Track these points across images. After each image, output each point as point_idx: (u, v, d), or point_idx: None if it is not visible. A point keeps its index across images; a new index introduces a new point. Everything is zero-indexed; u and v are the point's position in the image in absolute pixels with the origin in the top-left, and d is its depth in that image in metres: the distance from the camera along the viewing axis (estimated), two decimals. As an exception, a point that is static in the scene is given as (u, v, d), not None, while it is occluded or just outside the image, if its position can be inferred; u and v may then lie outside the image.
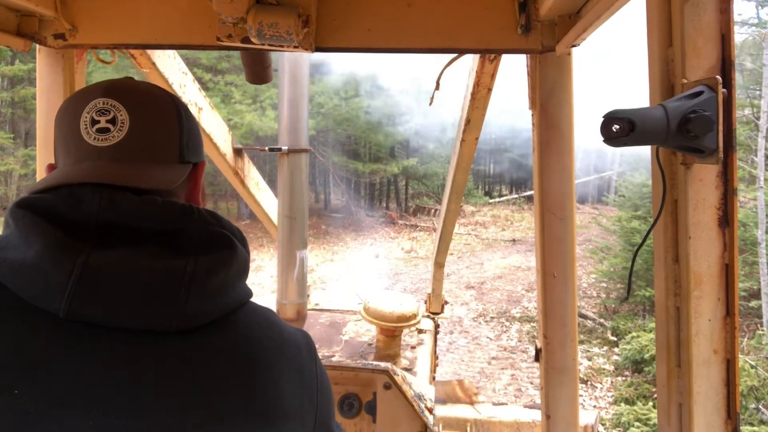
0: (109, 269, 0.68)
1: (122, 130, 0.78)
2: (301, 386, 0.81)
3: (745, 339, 9.35)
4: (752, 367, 7.69)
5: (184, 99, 2.41)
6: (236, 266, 0.78)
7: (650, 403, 7.57)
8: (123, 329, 0.68)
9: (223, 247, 0.77)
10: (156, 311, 0.69)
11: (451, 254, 13.65)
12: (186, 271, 0.71)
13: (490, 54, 2.07)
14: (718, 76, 0.84)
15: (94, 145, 0.77)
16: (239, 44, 1.56)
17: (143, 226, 0.73)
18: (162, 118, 0.83)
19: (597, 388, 8.87)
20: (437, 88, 2.25)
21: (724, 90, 0.84)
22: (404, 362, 2.70)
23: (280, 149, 2.88)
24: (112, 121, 0.78)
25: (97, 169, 0.76)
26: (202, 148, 0.93)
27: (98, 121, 0.78)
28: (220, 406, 0.70)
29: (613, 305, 12.01)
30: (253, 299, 0.85)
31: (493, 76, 2.23)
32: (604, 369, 9.45)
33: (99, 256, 0.69)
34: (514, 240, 19.32)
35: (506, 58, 2.09)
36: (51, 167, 0.85)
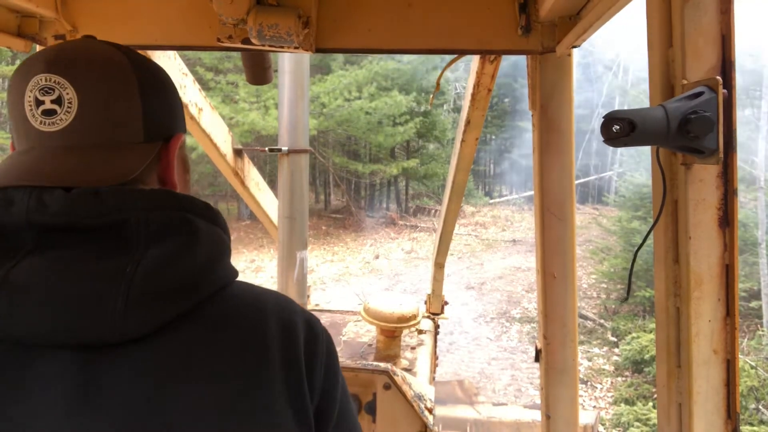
0: (32, 281, 0.59)
1: (70, 112, 0.68)
2: (297, 391, 0.70)
3: (745, 339, 9.35)
4: (752, 367, 7.69)
5: (184, 100, 2.41)
6: (202, 250, 0.67)
7: (650, 404, 7.57)
8: (67, 346, 0.60)
9: (178, 233, 0.66)
10: (87, 325, 0.59)
11: (451, 255, 13.64)
12: (125, 274, 0.60)
13: (490, 55, 2.07)
14: (719, 77, 0.84)
15: (42, 130, 0.68)
16: (239, 45, 1.56)
17: (81, 225, 0.63)
18: (118, 92, 0.71)
19: (597, 388, 8.86)
20: (437, 89, 2.25)
21: (725, 91, 0.84)
22: (404, 363, 2.70)
23: (280, 150, 2.89)
24: (58, 102, 0.67)
25: (42, 162, 0.67)
26: (175, 119, 0.80)
27: (43, 102, 0.67)
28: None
29: (613, 306, 12.00)
30: None
31: (493, 76, 2.23)
32: (604, 369, 9.45)
33: (24, 267, 0.60)
34: (514, 240, 19.32)
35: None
36: (13, 147, 0.75)
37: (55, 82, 0.67)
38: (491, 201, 27.43)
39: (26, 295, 0.59)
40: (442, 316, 3.84)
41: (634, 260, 1.13)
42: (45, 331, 0.59)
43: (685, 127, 0.82)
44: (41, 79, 0.68)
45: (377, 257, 16.34)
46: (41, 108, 0.68)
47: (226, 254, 0.73)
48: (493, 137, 30.35)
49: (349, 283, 13.35)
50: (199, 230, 0.68)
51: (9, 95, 0.71)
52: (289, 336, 0.72)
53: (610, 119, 0.83)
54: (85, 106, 0.68)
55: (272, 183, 3.54)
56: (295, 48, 1.51)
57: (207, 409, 0.62)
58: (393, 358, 2.66)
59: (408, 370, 2.62)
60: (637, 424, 7.11)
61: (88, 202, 0.63)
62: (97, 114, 0.69)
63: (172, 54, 2.30)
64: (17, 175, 0.66)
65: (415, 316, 2.65)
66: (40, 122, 0.68)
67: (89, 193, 0.64)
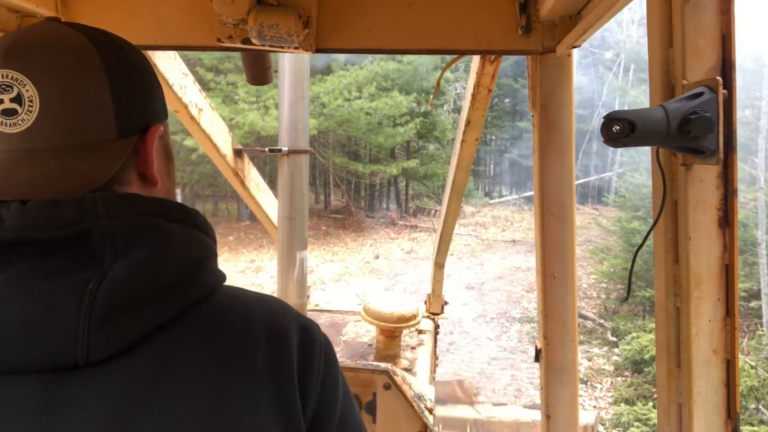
0: None
1: (32, 111, 0.61)
2: (289, 410, 0.65)
3: (745, 339, 9.35)
4: (752, 367, 7.69)
5: (184, 100, 2.42)
6: (177, 258, 0.62)
7: (650, 404, 7.57)
8: (28, 370, 0.55)
9: (146, 240, 0.61)
10: (47, 349, 0.54)
11: (451, 255, 13.64)
12: (86, 291, 0.55)
13: (490, 55, 2.07)
14: (719, 77, 0.84)
15: (3, 132, 0.61)
16: (240, 45, 1.56)
17: (40, 239, 0.58)
18: (83, 85, 0.63)
19: (597, 388, 8.87)
20: (437, 89, 2.25)
21: (725, 91, 0.84)
22: (404, 363, 2.71)
23: (280, 150, 2.88)
24: (18, 100, 0.61)
25: (3, 171, 0.61)
26: (153, 108, 0.72)
27: (1, 101, 0.61)
28: None
29: (613, 306, 12.01)
30: None
31: (493, 77, 2.24)
32: (604, 369, 9.45)
33: None
34: (514, 241, 19.32)
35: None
36: None
37: (12, 78, 0.61)
38: (491, 201, 27.43)
39: None
40: (441, 316, 3.84)
41: (634, 260, 1.13)
42: (2, 356, 0.54)
43: (685, 128, 0.82)
44: None
45: (377, 257, 16.34)
46: (1, 107, 0.61)
47: (209, 258, 0.67)
48: (493, 137, 30.36)
49: (349, 283, 13.35)
50: (172, 235, 0.63)
51: None
52: (279, 345, 0.67)
53: (610, 120, 0.83)
54: (48, 105, 0.61)
55: (272, 183, 3.54)
56: (296, 48, 1.51)
57: None
58: (393, 358, 2.66)
59: (408, 370, 2.62)
60: (637, 424, 7.11)
61: (45, 214, 0.58)
62: (61, 112, 0.62)
63: (173, 54, 2.30)
64: None
65: (414, 316, 2.65)
66: (1, 123, 0.61)
67: (47, 204, 0.59)
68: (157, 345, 0.59)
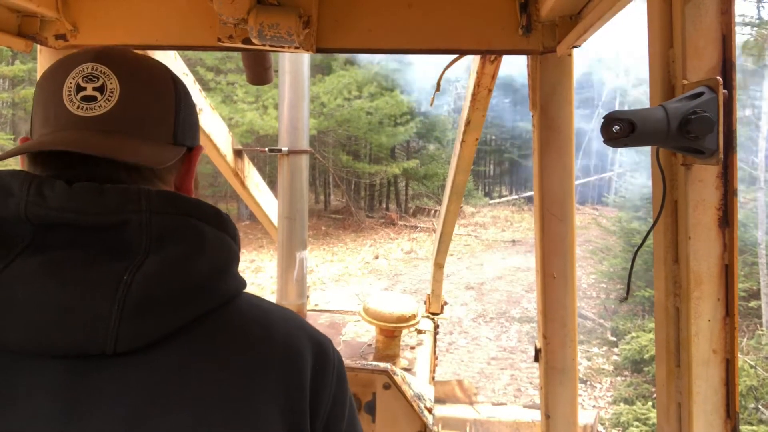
0: (23, 284, 0.56)
1: (110, 100, 0.67)
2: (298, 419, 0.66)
3: (745, 339, 9.35)
4: (751, 367, 7.69)
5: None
6: (207, 259, 0.63)
7: (649, 403, 7.57)
8: (56, 355, 0.57)
9: (182, 238, 0.63)
10: (76, 336, 0.56)
11: (451, 255, 13.65)
12: (122, 282, 0.57)
13: (490, 55, 2.07)
14: (719, 77, 0.84)
15: (78, 114, 0.66)
16: (240, 45, 1.56)
17: (81, 222, 0.60)
18: (157, 93, 0.72)
19: (596, 388, 8.87)
20: (438, 89, 2.25)
21: (725, 91, 0.84)
22: (404, 362, 2.71)
23: (280, 150, 2.88)
24: (100, 89, 0.67)
25: (78, 139, 0.64)
26: (196, 134, 0.81)
27: (84, 88, 0.66)
28: None
29: (612, 305, 12.01)
30: None
31: (493, 76, 2.24)
32: (603, 369, 9.45)
33: (17, 268, 0.57)
34: (513, 241, 19.32)
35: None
36: (24, 140, 0.72)
37: (101, 71, 0.68)
38: (491, 201, 27.43)
39: (15, 300, 0.56)
40: (441, 316, 3.84)
41: (633, 260, 1.13)
42: (32, 339, 0.56)
43: (685, 128, 0.82)
44: (87, 68, 0.68)
45: (377, 257, 16.34)
46: (81, 93, 0.67)
47: (234, 263, 0.69)
48: (493, 138, 30.36)
49: (349, 284, 13.35)
50: (206, 237, 0.65)
51: (43, 83, 0.70)
52: (293, 358, 0.68)
53: (610, 119, 0.83)
54: (127, 99, 0.68)
55: (272, 183, 3.54)
56: (296, 48, 1.51)
57: None
58: (392, 358, 2.66)
59: (407, 369, 2.62)
60: (636, 423, 7.11)
61: (90, 198, 0.60)
62: (135, 107, 0.69)
63: (173, 54, 2.30)
64: (49, 145, 0.64)
65: (414, 316, 2.65)
66: (78, 106, 0.66)
67: (93, 189, 0.61)
68: (178, 344, 0.60)
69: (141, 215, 0.61)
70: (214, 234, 0.67)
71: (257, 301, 0.72)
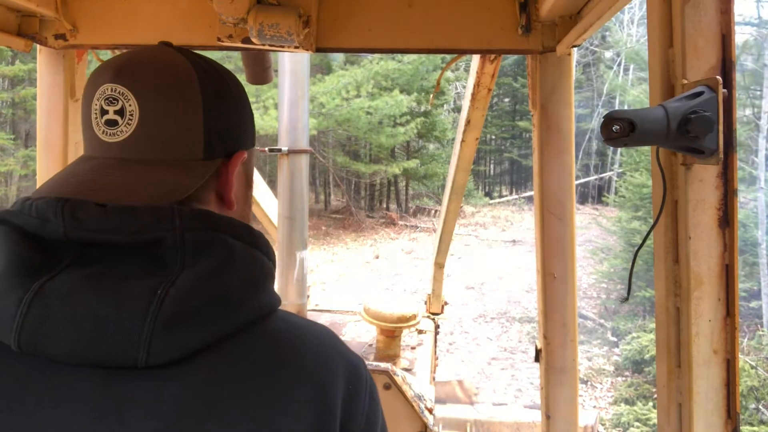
0: (63, 296, 0.58)
1: (131, 124, 0.67)
2: None
3: (745, 339, 9.36)
4: (752, 367, 7.69)
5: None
6: (237, 274, 0.64)
7: (650, 404, 7.57)
8: (90, 364, 0.58)
9: (211, 254, 0.63)
10: (110, 347, 0.57)
11: (451, 255, 13.65)
12: (156, 295, 0.58)
13: (490, 54, 2.07)
14: (719, 77, 0.84)
15: (104, 140, 0.68)
16: (240, 44, 1.56)
17: (117, 241, 0.62)
18: (179, 105, 0.69)
19: (597, 388, 8.87)
20: (437, 89, 2.25)
21: (725, 90, 0.84)
22: (404, 363, 2.71)
23: (280, 150, 2.88)
24: (120, 113, 0.67)
25: (99, 175, 0.67)
26: (241, 134, 0.78)
27: (107, 111, 0.68)
28: None
29: (613, 306, 12.01)
30: None
31: (493, 76, 2.24)
32: (604, 369, 9.46)
33: (60, 281, 0.59)
34: (514, 241, 19.32)
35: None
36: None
37: (119, 92, 0.68)
38: (491, 201, 27.43)
39: (55, 310, 0.57)
40: (442, 316, 3.84)
41: (634, 260, 1.13)
42: (69, 349, 0.57)
43: (685, 127, 0.82)
44: (107, 89, 0.68)
45: (377, 257, 16.35)
46: (105, 117, 0.68)
47: (268, 280, 0.69)
48: (493, 137, 30.36)
49: (349, 284, 13.35)
50: (234, 251, 0.65)
51: (83, 99, 0.72)
52: (325, 378, 0.67)
53: (610, 119, 0.83)
54: (145, 120, 0.68)
55: (272, 183, 3.54)
56: (296, 47, 1.51)
57: None
58: (393, 358, 2.66)
59: (408, 370, 2.62)
60: (637, 424, 7.12)
61: (123, 218, 0.62)
62: (156, 128, 0.68)
63: (172, 54, 2.30)
64: (59, 190, 0.65)
65: (414, 316, 2.65)
66: (103, 132, 0.68)
67: (127, 210, 0.62)
68: (209, 359, 0.61)
69: (175, 232, 0.63)
70: (244, 249, 0.67)
71: (292, 318, 0.72)
